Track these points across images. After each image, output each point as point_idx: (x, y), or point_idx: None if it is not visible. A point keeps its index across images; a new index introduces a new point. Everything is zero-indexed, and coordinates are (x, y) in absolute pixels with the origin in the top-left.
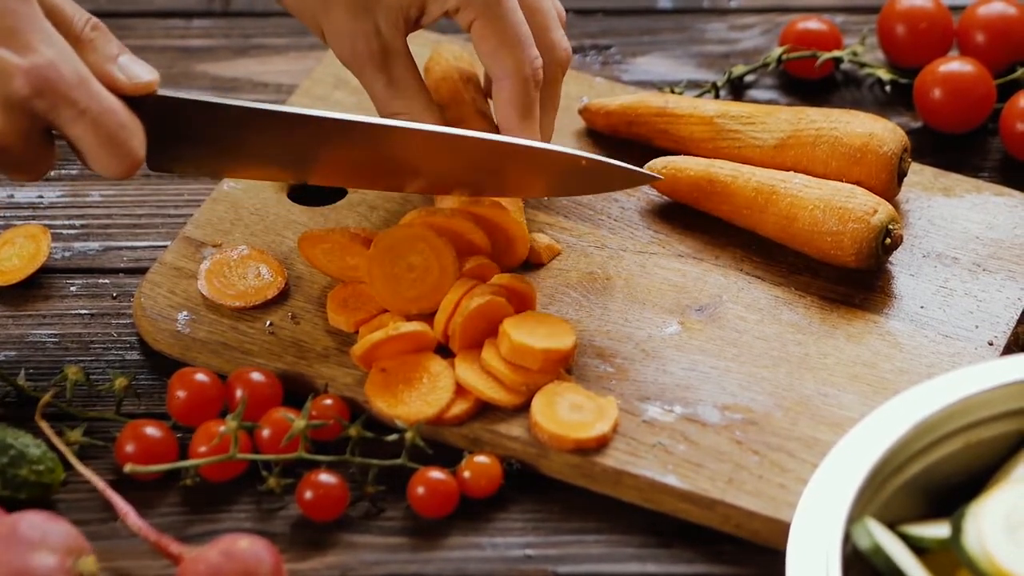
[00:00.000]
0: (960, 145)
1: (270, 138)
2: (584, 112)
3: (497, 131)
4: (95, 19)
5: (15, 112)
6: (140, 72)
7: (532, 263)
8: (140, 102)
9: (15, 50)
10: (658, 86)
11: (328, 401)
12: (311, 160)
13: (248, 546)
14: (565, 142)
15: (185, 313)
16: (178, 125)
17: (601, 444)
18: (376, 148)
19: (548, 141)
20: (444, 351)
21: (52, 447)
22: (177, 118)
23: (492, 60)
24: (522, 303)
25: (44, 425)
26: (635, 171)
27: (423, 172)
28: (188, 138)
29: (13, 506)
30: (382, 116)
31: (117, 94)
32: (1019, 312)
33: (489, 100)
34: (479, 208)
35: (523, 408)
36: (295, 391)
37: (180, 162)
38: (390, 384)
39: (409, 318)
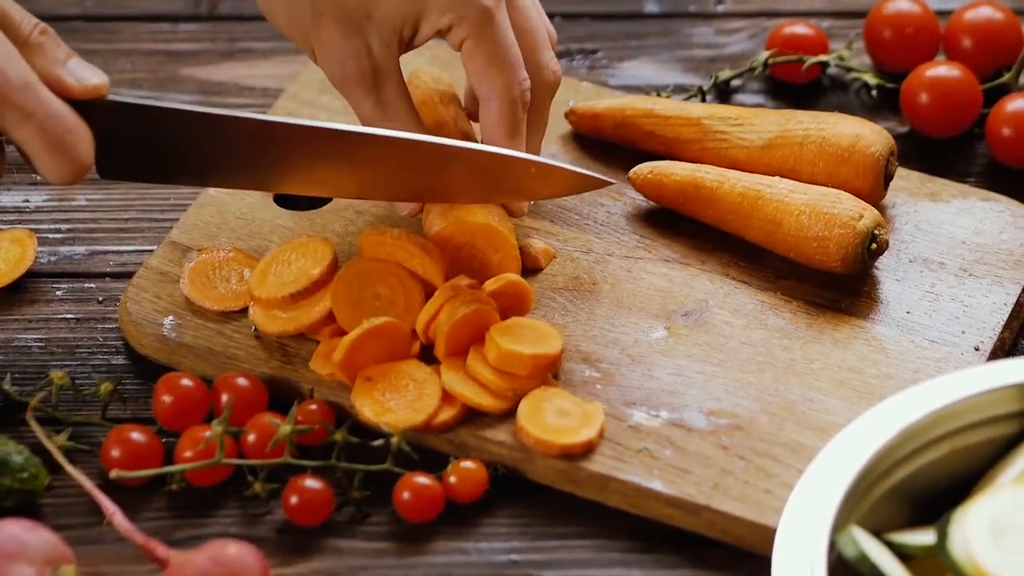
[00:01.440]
0: (946, 150)
1: (222, 145)
2: (570, 115)
3: None
4: (43, 24)
5: None
6: (89, 75)
7: (529, 268)
8: (90, 108)
9: None
10: (645, 91)
11: (313, 406)
12: (265, 168)
13: (236, 552)
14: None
15: (171, 318)
16: (128, 131)
17: (587, 449)
18: (328, 153)
19: None
20: (426, 358)
21: (37, 451)
22: (127, 124)
23: (480, 80)
24: (517, 304)
25: (35, 426)
26: (587, 175)
27: (376, 178)
28: (139, 144)
29: None
30: None
31: (65, 99)
32: (1005, 317)
33: (471, 118)
34: (467, 226)
35: (509, 413)
36: (280, 396)
37: (132, 169)
38: (376, 392)
39: None
